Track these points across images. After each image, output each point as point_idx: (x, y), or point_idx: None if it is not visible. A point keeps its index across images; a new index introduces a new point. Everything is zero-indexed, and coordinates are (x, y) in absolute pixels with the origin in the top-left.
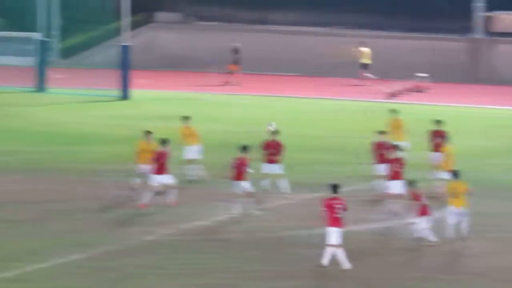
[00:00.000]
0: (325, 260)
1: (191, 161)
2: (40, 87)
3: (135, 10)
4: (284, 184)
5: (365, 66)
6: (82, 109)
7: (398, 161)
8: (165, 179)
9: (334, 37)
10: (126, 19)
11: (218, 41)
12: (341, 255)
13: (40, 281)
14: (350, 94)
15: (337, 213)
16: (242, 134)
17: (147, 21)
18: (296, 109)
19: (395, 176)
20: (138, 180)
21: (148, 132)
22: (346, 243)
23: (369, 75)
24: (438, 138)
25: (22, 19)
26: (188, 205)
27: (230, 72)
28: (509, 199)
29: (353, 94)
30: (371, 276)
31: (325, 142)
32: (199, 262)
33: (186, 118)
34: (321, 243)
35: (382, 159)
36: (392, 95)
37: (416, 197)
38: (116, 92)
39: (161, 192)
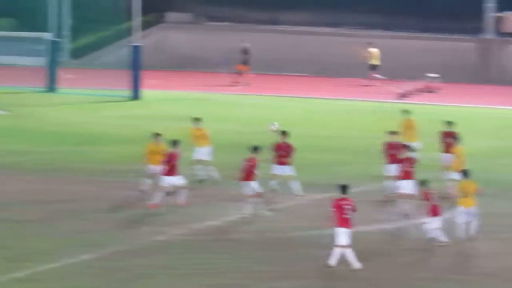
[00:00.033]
0: (333, 261)
1: (199, 162)
2: (51, 87)
3: (146, 10)
4: (296, 186)
5: (373, 67)
6: (92, 109)
7: (409, 160)
8: (176, 180)
9: (345, 37)
10: (137, 19)
11: (228, 41)
12: (350, 255)
13: (51, 281)
14: (360, 94)
15: (346, 213)
16: (252, 135)
17: (158, 21)
18: (307, 109)
19: (406, 176)
20: (148, 181)
21: (157, 134)
22: (356, 244)
23: (377, 75)
24: (449, 139)
25: (33, 19)
26: (199, 205)
27: (239, 73)
28: None
29: (364, 95)
30: (380, 276)
31: (336, 142)
32: (210, 262)
33: (197, 120)
34: (331, 244)
35: (393, 160)
36: (403, 95)
37: (427, 196)
38: (126, 92)
39: (172, 192)
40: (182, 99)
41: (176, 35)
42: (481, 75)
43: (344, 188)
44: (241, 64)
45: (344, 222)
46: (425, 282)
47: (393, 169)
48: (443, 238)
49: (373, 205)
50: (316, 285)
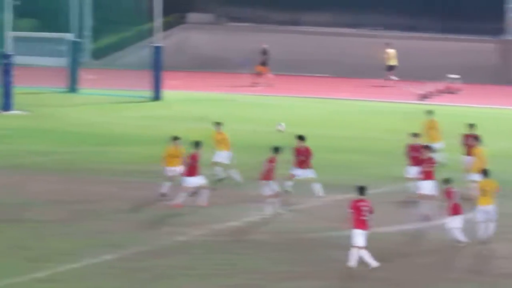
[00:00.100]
0: (353, 262)
1: (218, 164)
2: (72, 87)
3: (167, 11)
4: (317, 187)
5: (390, 68)
6: (114, 109)
7: (429, 161)
8: (197, 180)
9: (366, 38)
10: (158, 20)
11: (250, 42)
12: (366, 255)
13: (71, 281)
14: (381, 95)
15: (363, 215)
16: (273, 135)
17: (179, 22)
18: (328, 110)
19: (426, 176)
20: (168, 184)
21: (176, 138)
22: (377, 245)
23: (393, 76)
24: (471, 141)
25: (55, 20)
26: (220, 206)
27: (259, 73)
28: None
29: (384, 96)
30: (400, 277)
31: (357, 143)
32: (230, 263)
33: (218, 124)
34: (350, 245)
35: (415, 161)
36: (424, 96)
37: (449, 195)
38: (148, 93)
39: (194, 193)
40: (203, 100)
41: (197, 35)
42: (502, 76)
43: (361, 190)
44: (260, 65)
45: (361, 224)
46: (446, 283)
47: (415, 171)
48: (462, 238)
49: (394, 206)
50: (335, 286)
